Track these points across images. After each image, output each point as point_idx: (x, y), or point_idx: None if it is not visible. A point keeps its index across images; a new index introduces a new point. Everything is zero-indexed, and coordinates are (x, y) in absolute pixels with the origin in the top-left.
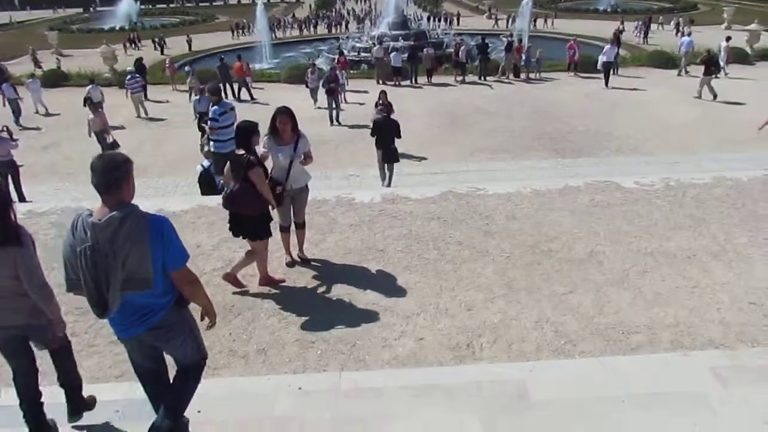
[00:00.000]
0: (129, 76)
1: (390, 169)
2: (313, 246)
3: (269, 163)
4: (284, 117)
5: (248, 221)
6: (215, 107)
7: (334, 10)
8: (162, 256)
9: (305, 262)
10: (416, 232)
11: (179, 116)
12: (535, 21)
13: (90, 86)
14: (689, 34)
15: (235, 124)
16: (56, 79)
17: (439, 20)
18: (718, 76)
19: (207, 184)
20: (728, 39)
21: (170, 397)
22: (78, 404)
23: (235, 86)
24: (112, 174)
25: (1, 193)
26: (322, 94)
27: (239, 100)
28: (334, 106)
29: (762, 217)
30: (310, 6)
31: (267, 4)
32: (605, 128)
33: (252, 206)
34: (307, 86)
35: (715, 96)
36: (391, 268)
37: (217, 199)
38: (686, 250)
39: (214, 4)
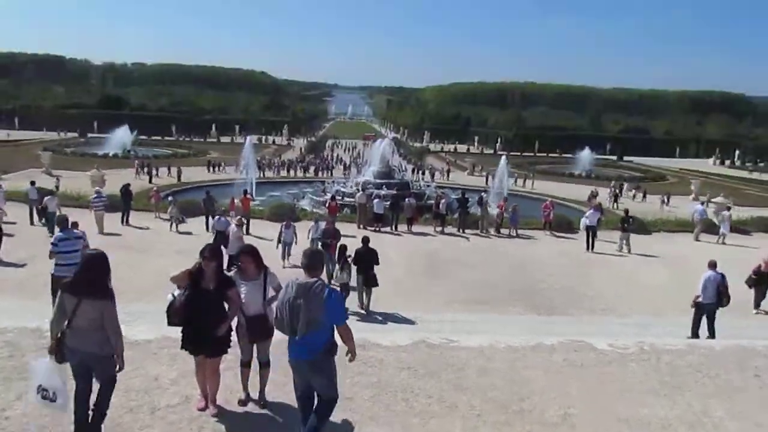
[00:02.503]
0: (95, 195)
1: (369, 293)
2: (277, 388)
3: None
4: (246, 257)
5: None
6: (60, 233)
7: (322, 155)
8: (329, 313)
9: (264, 405)
10: (385, 381)
11: (159, 244)
12: (515, 180)
13: (47, 197)
14: (702, 203)
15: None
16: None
17: (423, 173)
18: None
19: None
20: (729, 208)
21: (312, 421)
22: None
23: (232, 219)
24: (317, 261)
25: (105, 260)
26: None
27: (247, 232)
28: (330, 264)
29: (738, 389)
30: (301, 150)
31: (258, 144)
32: (579, 287)
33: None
34: (278, 241)
35: (628, 250)
36: (357, 418)
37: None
38: (662, 419)
39: (207, 140)
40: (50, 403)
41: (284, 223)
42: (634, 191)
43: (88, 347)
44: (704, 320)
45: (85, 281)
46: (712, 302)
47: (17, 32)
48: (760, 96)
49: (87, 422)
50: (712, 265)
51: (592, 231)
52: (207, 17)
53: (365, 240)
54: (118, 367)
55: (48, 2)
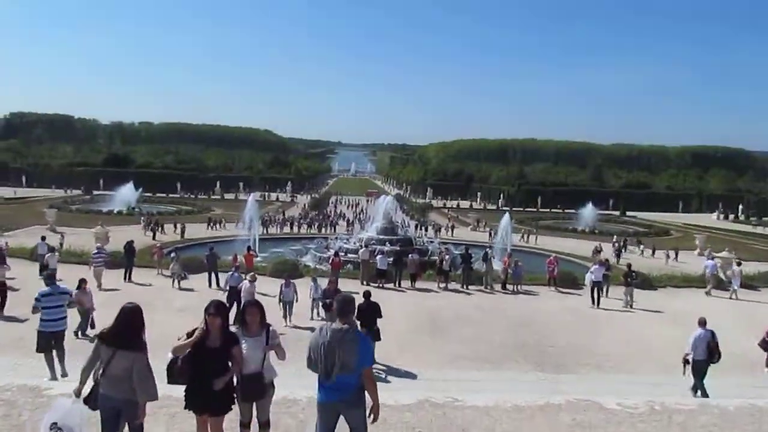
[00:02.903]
0: (96, 251)
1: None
2: None
3: None
4: (254, 309)
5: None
6: (45, 288)
7: (325, 212)
8: (362, 357)
9: None
10: None
11: (161, 300)
12: (523, 236)
13: (48, 254)
14: (712, 258)
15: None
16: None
17: (426, 229)
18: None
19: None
20: (739, 263)
21: None
22: None
23: (221, 276)
24: (349, 308)
25: (140, 314)
26: (299, 307)
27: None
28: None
29: None
30: (304, 206)
31: (262, 201)
32: (586, 344)
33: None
34: (280, 300)
35: (631, 305)
36: None
37: (182, 389)
38: None
39: (211, 197)
40: None
41: (284, 281)
42: (642, 246)
43: (121, 394)
44: (690, 376)
45: (120, 333)
46: (702, 359)
47: (28, 93)
48: (760, 150)
49: None
50: (702, 323)
51: (597, 286)
52: (213, 77)
53: (366, 294)
54: (140, 415)
55: (59, 64)
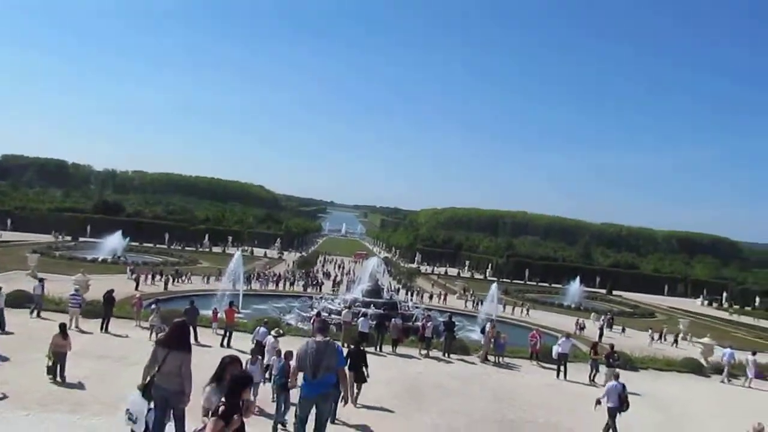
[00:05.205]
0: (73, 292)
1: (359, 387)
2: None
3: None
4: (236, 365)
5: None
6: None
7: (312, 270)
8: (340, 360)
9: None
10: None
11: (135, 354)
12: (515, 309)
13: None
14: (730, 346)
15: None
16: (21, 300)
17: (413, 294)
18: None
19: None
20: (754, 353)
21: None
22: None
23: (198, 330)
24: (326, 326)
25: (188, 327)
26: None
27: (228, 345)
28: (282, 408)
29: None
30: (292, 263)
31: (249, 256)
32: (565, 422)
33: None
34: None
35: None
36: None
37: None
38: None
39: (199, 249)
40: (132, 424)
41: (250, 358)
42: (651, 331)
43: (170, 386)
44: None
45: (174, 338)
46: (615, 406)
47: (22, 136)
48: (745, 241)
49: None
50: (616, 377)
51: (564, 359)
52: (211, 132)
53: (356, 343)
54: (185, 401)
55: (54, 108)
